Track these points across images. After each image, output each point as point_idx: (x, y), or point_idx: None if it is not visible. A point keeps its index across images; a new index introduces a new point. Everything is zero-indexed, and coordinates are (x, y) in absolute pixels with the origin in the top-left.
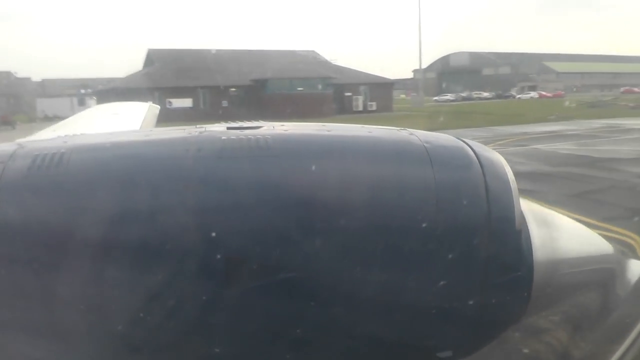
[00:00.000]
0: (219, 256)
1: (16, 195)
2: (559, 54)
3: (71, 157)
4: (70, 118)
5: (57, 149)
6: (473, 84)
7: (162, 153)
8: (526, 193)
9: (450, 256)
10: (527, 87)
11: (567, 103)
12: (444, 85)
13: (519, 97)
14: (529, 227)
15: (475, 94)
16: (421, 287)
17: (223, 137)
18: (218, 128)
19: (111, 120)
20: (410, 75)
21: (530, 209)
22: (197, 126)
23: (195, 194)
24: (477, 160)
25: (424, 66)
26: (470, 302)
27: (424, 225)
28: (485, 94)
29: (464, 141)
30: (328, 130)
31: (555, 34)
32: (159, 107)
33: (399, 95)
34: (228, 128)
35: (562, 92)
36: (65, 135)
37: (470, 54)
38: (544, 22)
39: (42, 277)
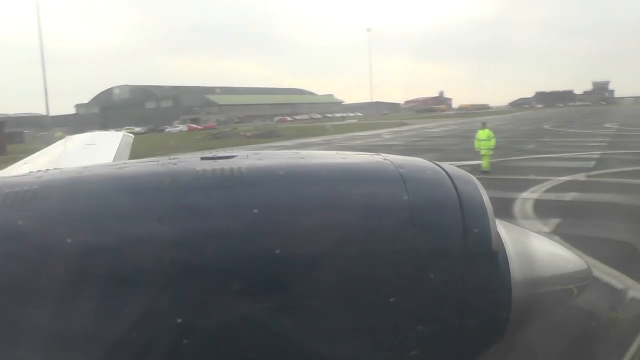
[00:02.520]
0: (196, 286)
1: None
2: (221, 87)
3: (45, 193)
4: (44, 149)
5: (29, 185)
6: (137, 117)
7: (137, 186)
8: None
9: (428, 278)
10: (189, 120)
11: (198, 137)
12: (106, 120)
13: (168, 131)
14: (506, 247)
15: (126, 129)
16: (400, 309)
17: (197, 168)
18: (191, 159)
19: (85, 152)
20: (74, 110)
21: (505, 229)
22: (171, 157)
23: (171, 225)
24: (451, 183)
25: (87, 100)
26: (450, 323)
27: (401, 248)
28: (138, 129)
29: (437, 164)
30: (301, 158)
31: (229, 71)
32: (132, 136)
33: (58, 133)
34: (202, 158)
35: (214, 124)
36: (38, 171)
37: (132, 87)
38: (221, 60)
39: (20, 315)
